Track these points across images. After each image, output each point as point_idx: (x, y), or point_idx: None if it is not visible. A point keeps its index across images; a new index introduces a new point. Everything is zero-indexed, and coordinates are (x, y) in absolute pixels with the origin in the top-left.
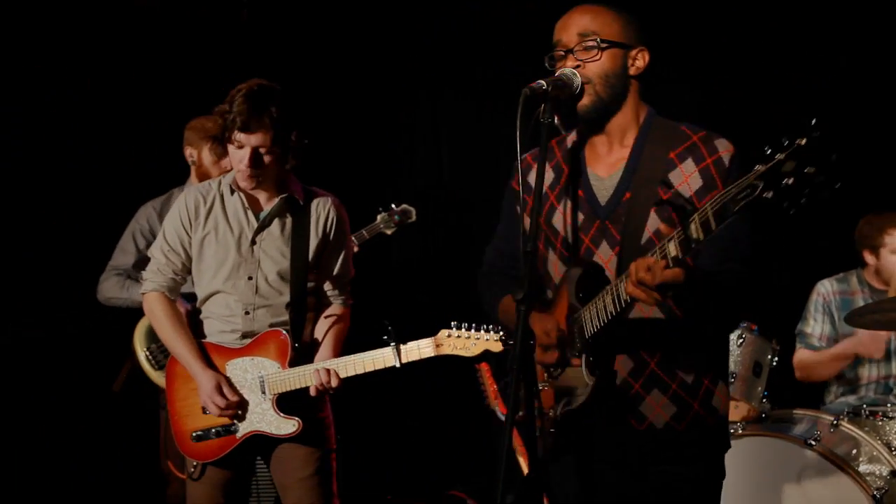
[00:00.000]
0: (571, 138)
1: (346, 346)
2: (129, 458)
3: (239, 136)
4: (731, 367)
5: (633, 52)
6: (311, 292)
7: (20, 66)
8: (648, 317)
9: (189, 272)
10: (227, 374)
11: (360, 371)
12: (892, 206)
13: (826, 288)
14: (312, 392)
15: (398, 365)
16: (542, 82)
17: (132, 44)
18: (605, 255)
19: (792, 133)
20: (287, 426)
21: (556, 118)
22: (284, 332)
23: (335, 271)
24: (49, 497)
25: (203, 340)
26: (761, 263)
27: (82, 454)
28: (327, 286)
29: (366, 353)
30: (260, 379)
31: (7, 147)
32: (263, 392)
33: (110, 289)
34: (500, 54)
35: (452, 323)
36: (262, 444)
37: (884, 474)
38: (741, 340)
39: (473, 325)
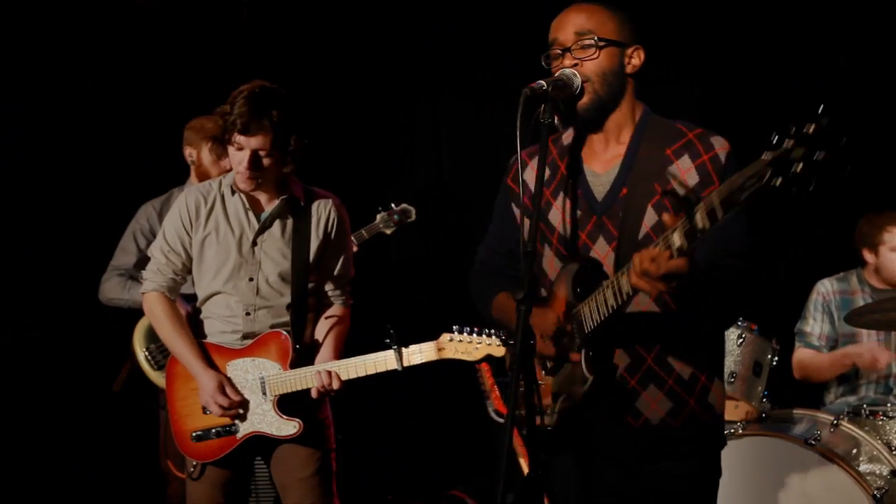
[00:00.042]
0: (567, 135)
1: (346, 347)
2: (129, 458)
3: (239, 138)
4: (732, 366)
5: (630, 51)
6: (311, 293)
7: (20, 66)
8: (646, 311)
9: (189, 272)
10: (228, 375)
11: (362, 374)
12: (892, 206)
13: (826, 287)
14: (314, 394)
15: (400, 368)
16: (543, 83)
17: (132, 44)
18: (601, 251)
19: (800, 120)
20: (288, 427)
21: (556, 118)
22: (285, 333)
23: (336, 272)
24: (49, 497)
25: (203, 341)
26: (759, 259)
27: (82, 454)
28: (328, 287)
29: (368, 355)
30: (261, 380)
31: (7, 147)
32: (264, 393)
33: (112, 289)
34: (500, 54)
35: (454, 327)
36: (262, 444)
37: (884, 474)
38: (741, 340)
39: (475, 329)
